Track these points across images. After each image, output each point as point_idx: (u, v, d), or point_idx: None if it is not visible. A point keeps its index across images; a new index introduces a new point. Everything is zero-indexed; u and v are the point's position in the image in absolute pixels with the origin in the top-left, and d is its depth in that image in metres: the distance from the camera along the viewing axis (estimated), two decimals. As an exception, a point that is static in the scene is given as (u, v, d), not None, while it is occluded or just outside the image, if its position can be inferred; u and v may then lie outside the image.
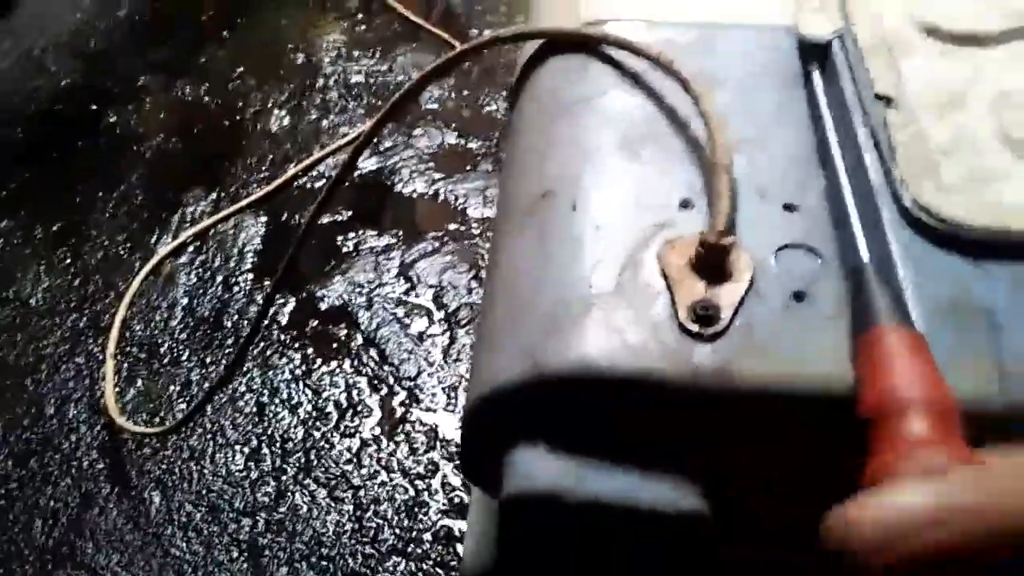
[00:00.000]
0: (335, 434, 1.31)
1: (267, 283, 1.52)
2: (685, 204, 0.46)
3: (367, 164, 1.71)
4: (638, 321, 0.40)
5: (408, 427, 1.31)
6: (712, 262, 0.41)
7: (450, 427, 1.30)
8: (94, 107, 1.92)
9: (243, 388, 1.37)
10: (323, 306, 1.48)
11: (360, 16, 2.11)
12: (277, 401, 1.35)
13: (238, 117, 1.86)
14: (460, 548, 1.17)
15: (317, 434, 1.31)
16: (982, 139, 0.49)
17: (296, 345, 1.42)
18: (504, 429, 0.41)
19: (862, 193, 0.48)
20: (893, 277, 0.42)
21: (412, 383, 1.36)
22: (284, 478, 1.26)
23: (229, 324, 1.47)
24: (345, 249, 1.57)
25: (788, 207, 0.45)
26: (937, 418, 0.33)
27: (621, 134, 0.50)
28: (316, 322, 1.46)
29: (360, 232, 1.60)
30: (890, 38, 0.56)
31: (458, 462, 1.26)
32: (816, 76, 0.58)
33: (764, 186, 0.46)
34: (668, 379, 0.38)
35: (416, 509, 1.22)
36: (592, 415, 0.39)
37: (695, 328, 0.39)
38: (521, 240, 0.48)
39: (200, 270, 1.56)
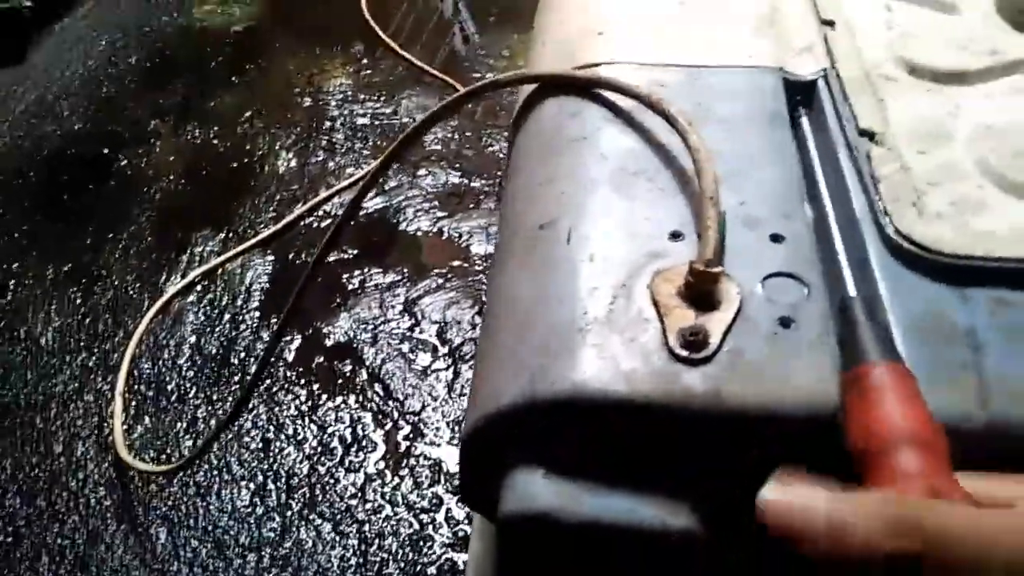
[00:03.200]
0: (340, 469, 1.32)
1: (274, 321, 1.54)
2: (675, 235, 0.48)
3: (372, 203, 1.74)
4: (630, 347, 0.41)
5: (412, 461, 1.32)
6: (701, 290, 0.43)
7: (454, 461, 1.31)
8: (105, 151, 1.96)
9: (249, 424, 1.38)
10: (329, 343, 1.50)
11: (365, 61, 2.16)
12: (283, 437, 1.36)
13: (246, 159, 1.90)
14: (464, 582, 1.17)
15: (322, 469, 1.32)
16: (964, 171, 0.51)
17: (302, 381, 1.44)
18: (502, 452, 0.42)
19: (847, 225, 0.50)
20: (878, 304, 0.43)
21: (416, 418, 1.37)
22: (289, 513, 1.27)
23: (236, 361, 1.49)
24: (351, 286, 1.59)
25: (775, 237, 0.47)
26: (926, 453, 0.34)
27: (614, 170, 0.52)
28: (322, 358, 1.47)
29: (366, 270, 1.62)
30: (874, 76, 0.58)
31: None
32: (803, 113, 0.60)
33: (752, 218, 0.48)
34: (658, 402, 0.39)
35: (420, 543, 1.22)
36: (587, 438, 0.41)
37: (684, 353, 0.40)
38: (520, 269, 0.49)
39: (208, 308, 1.59)
